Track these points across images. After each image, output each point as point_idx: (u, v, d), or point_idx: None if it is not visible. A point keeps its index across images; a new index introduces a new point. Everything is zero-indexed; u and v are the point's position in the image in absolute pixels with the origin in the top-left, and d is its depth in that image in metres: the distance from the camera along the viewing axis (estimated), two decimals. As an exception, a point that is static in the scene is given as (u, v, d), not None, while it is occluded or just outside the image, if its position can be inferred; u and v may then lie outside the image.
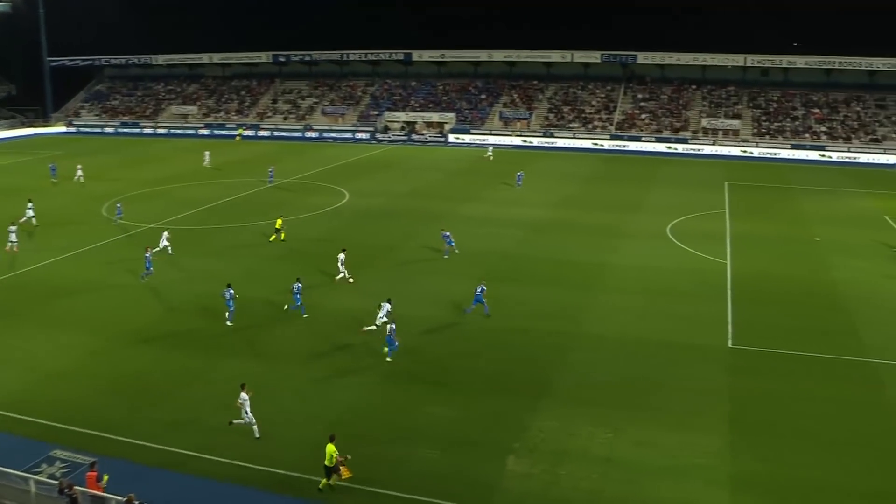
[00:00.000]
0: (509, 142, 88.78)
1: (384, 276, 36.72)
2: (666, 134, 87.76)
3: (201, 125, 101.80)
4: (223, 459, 20.75)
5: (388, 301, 28.93)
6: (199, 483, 19.83)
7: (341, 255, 35.69)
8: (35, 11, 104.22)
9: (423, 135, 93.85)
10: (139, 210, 50.34)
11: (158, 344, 28.79)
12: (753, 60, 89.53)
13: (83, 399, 24.38)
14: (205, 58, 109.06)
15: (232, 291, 30.44)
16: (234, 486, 19.63)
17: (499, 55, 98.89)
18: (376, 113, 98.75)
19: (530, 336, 29.59)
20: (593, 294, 34.67)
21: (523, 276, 36.93)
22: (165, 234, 40.24)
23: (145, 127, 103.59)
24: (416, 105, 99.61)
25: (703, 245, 42.73)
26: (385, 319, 28.17)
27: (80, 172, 61.03)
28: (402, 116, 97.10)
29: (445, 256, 39.80)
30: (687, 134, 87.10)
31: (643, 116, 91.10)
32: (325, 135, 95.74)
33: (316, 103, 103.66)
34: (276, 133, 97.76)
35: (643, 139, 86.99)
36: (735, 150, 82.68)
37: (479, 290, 31.27)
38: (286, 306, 31.70)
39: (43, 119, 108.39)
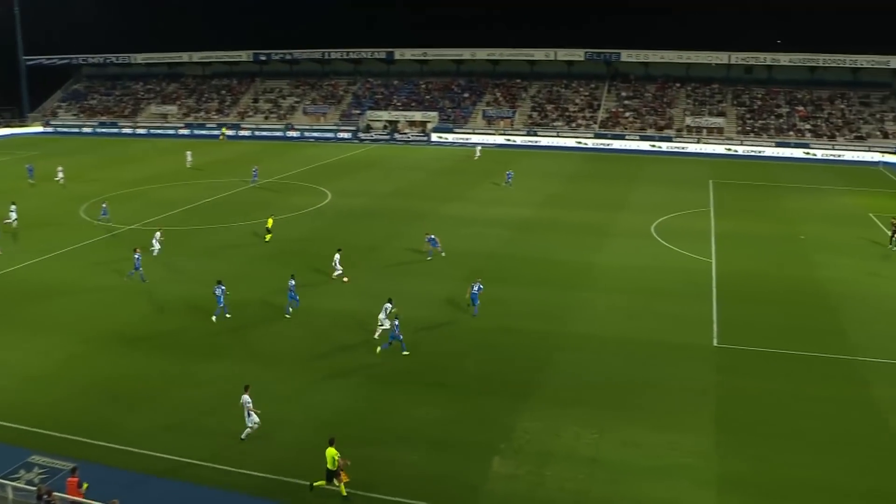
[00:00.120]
0: (493, 141, 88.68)
1: (368, 276, 36.44)
2: (650, 132, 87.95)
3: (181, 125, 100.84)
4: (210, 464, 20.38)
5: (390, 301, 28.95)
6: (185, 489, 19.43)
7: (337, 255, 35.86)
8: (10, 9, 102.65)
9: (405, 134, 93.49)
10: (120, 211, 49.58)
11: (142, 346, 28.34)
12: (738, 58, 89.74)
13: (62, 403, 23.89)
14: (184, 56, 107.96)
15: (223, 288, 30.39)
16: (221, 492, 19.27)
17: (482, 53, 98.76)
18: (358, 112, 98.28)
19: (517, 336, 29.47)
20: (579, 293, 34.60)
21: (509, 276, 36.76)
22: (158, 234, 39.72)
23: (124, 127, 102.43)
24: (399, 104, 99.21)
25: (687, 244, 42.79)
26: (386, 318, 28.39)
27: (60, 174, 60.17)
28: (385, 115, 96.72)
29: (429, 258, 39.56)
30: (671, 132, 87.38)
31: (627, 115, 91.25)
32: (307, 134, 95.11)
33: (297, 102, 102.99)
34: (257, 133, 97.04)
35: (627, 137, 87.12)
36: (719, 148, 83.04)
37: (475, 288, 31.22)
38: (289, 310, 31.38)
39: (19, 119, 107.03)
